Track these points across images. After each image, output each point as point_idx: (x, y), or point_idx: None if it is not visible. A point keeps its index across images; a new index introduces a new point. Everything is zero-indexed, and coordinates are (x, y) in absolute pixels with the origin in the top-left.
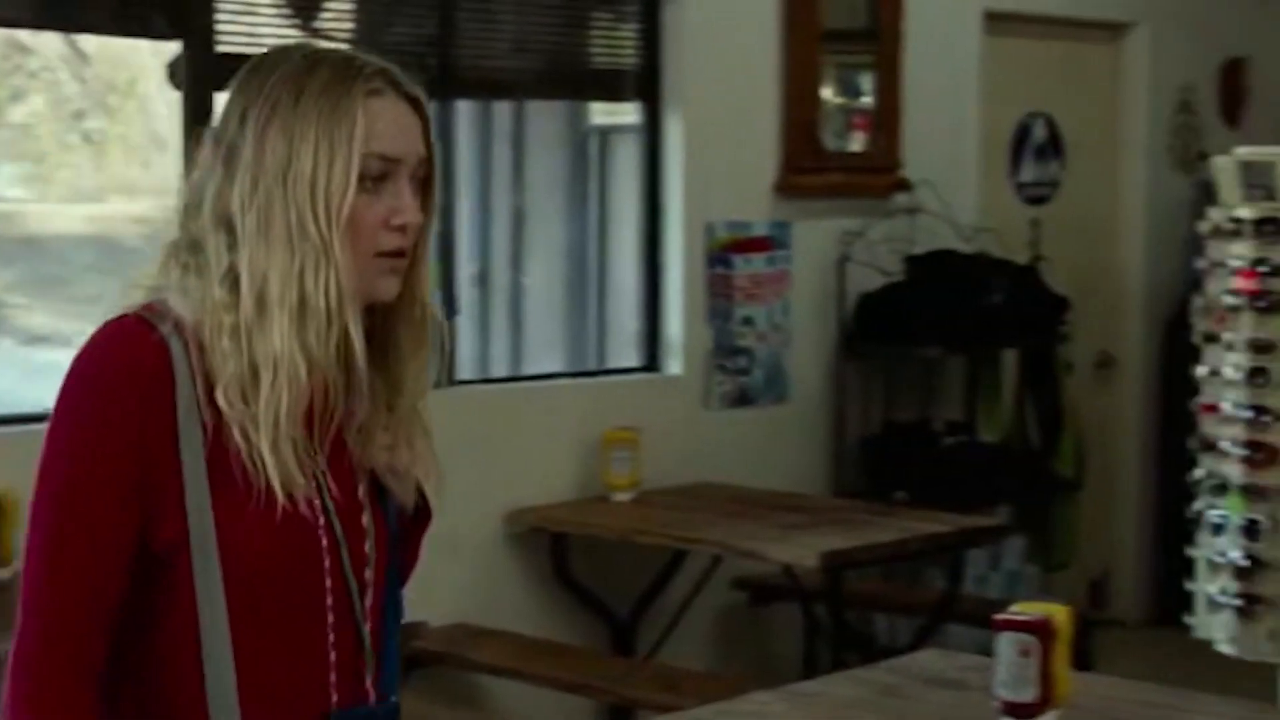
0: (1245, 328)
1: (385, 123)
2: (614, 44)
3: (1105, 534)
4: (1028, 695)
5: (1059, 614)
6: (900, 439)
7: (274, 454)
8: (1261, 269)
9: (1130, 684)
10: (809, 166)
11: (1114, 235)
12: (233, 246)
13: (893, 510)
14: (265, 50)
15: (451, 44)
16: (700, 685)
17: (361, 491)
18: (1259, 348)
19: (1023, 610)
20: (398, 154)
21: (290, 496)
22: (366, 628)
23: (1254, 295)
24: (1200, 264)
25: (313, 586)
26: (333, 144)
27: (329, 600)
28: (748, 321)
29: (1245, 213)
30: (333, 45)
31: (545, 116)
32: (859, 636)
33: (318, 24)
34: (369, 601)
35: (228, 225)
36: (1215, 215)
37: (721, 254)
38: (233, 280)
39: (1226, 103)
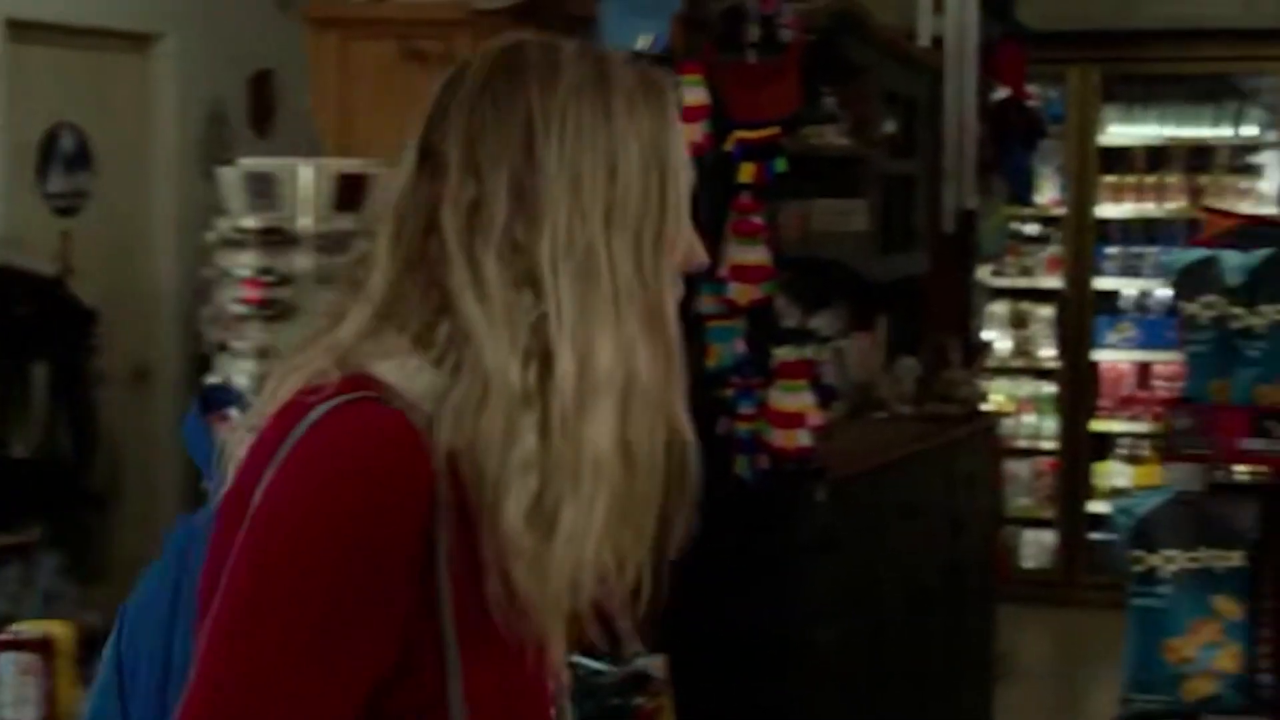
0: (254, 336)
1: (682, 145)
2: None
3: (143, 547)
4: (30, 715)
5: (60, 631)
6: None
7: (569, 596)
8: (268, 278)
9: None
10: None
11: (147, 246)
12: (538, 312)
13: None
14: (494, 45)
15: None
16: None
17: None
18: (267, 355)
19: (23, 629)
20: (691, 182)
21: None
22: None
23: (261, 304)
24: (208, 274)
25: None
26: (663, 176)
27: None
28: None
29: (250, 222)
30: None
31: None
32: None
33: None
34: None
35: (532, 283)
36: (222, 225)
37: None
38: (540, 357)
39: (256, 114)
